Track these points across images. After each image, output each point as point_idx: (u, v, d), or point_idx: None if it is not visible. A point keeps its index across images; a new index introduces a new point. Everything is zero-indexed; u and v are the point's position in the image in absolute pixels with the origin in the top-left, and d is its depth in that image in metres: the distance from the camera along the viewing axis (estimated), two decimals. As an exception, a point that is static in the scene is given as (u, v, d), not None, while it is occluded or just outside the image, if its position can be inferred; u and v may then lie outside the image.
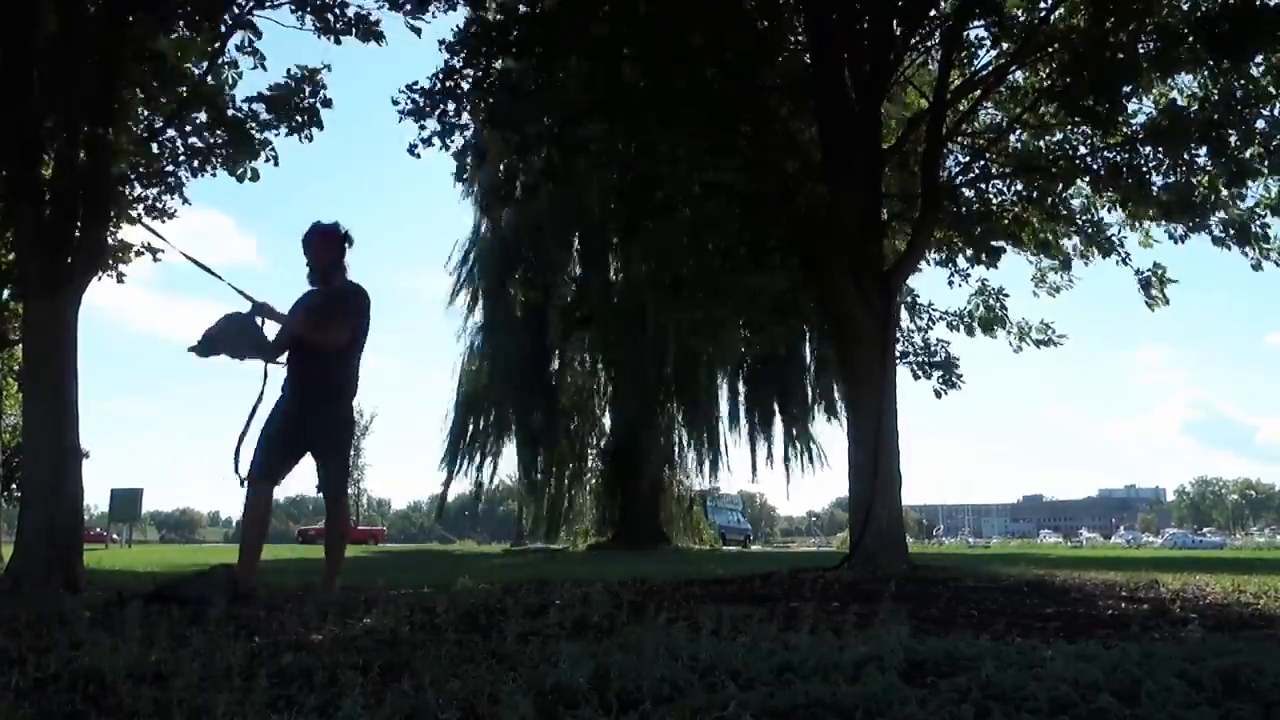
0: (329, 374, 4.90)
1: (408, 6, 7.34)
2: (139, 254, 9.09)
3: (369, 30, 7.19)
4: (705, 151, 8.60)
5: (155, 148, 7.46)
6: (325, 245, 5.07)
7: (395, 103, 8.21)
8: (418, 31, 7.35)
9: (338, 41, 7.20)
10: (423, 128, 8.28)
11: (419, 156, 8.39)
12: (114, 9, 6.16)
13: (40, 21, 6.22)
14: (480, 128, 8.60)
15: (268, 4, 6.90)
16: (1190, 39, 7.19)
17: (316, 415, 4.87)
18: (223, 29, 6.93)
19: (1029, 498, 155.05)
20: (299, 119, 7.35)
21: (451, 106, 8.27)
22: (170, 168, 7.72)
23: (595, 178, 9.08)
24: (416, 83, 8.23)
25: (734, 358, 20.76)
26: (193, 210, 8.15)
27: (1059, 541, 57.78)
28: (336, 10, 7.11)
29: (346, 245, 5.11)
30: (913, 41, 8.21)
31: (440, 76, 8.15)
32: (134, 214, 7.63)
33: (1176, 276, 9.79)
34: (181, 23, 6.91)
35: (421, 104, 8.16)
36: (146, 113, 7.47)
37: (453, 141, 8.40)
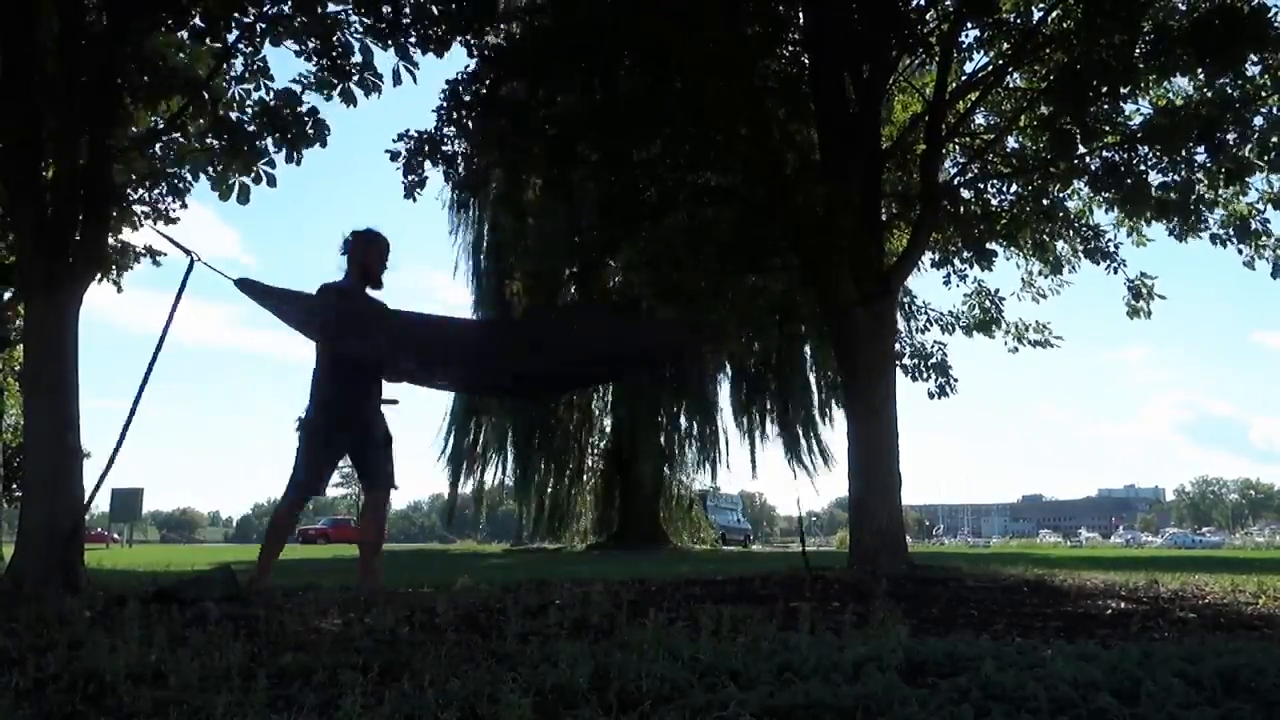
0: None
1: (412, 41, 7.14)
2: (139, 258, 9.09)
3: (370, 80, 7.06)
4: (702, 155, 8.57)
5: (158, 149, 7.41)
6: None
7: (392, 155, 7.93)
8: (398, 79, 7.11)
9: (334, 91, 7.06)
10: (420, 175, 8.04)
11: (415, 199, 8.08)
12: (114, 9, 6.15)
13: (41, 22, 6.22)
14: (477, 152, 8.31)
15: (266, 36, 6.79)
16: (1179, 49, 7.17)
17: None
18: (229, 39, 6.85)
19: (1029, 497, 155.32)
20: (292, 132, 7.16)
21: (448, 149, 8.01)
22: (176, 170, 7.64)
23: (591, 188, 9.01)
24: (409, 130, 7.99)
25: (733, 353, 20.75)
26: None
27: (1059, 541, 57.71)
28: (338, 52, 6.89)
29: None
30: (911, 41, 8.19)
31: (439, 122, 7.91)
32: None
33: (1162, 275, 9.89)
34: (184, 31, 6.86)
35: (416, 155, 7.90)
36: (151, 115, 7.42)
37: (452, 178, 8.22)
